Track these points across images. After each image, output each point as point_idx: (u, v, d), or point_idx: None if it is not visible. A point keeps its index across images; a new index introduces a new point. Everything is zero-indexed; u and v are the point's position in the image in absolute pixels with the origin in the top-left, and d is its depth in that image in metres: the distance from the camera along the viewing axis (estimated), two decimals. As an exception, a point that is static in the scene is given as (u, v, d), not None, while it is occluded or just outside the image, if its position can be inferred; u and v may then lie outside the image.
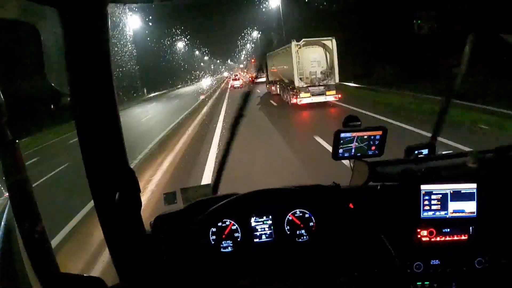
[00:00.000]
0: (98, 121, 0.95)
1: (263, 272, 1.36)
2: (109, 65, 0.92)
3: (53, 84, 1.02)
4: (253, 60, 44.80)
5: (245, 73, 64.01)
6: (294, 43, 15.33)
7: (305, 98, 15.40)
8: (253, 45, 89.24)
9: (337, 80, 15.76)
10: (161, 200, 1.65)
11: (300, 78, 15.49)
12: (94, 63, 0.91)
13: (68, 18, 0.85)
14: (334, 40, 15.55)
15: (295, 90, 16.06)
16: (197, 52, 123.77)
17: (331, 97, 15.66)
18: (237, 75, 45.96)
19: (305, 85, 15.54)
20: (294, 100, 16.41)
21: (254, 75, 41.73)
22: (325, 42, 15.50)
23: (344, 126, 1.62)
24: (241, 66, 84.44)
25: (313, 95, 15.59)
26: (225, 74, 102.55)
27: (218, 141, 9.97)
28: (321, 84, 15.67)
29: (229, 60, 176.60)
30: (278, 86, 21.05)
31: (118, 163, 1.01)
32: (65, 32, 0.86)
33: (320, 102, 15.52)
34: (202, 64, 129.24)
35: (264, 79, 41.40)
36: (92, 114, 0.94)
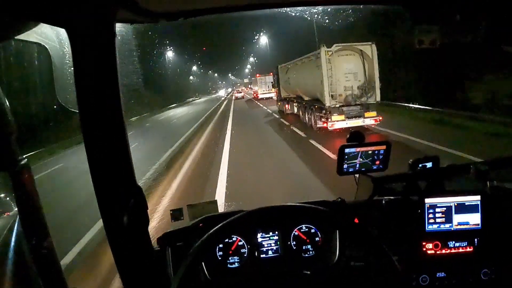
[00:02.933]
0: (106, 138, 0.97)
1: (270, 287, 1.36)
2: (117, 83, 0.95)
3: (62, 102, 1.10)
4: (258, 75, 41.11)
5: (248, 89, 60.96)
6: (324, 48, 11.55)
7: (338, 122, 11.55)
8: (256, 60, 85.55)
9: (378, 98, 11.93)
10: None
11: (332, 95, 11.66)
12: (102, 82, 0.93)
13: (76, 38, 0.89)
14: (374, 46, 11.79)
15: (323, 111, 12.21)
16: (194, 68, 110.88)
17: (370, 120, 11.83)
18: (239, 90, 58.44)
19: (337, 105, 11.70)
20: (321, 124, 12.56)
21: (258, 90, 38.77)
22: (362, 48, 11.74)
23: (349, 142, 1.63)
24: (246, 80, 74.54)
25: (348, 117, 11.74)
26: (221, 92, 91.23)
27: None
28: (357, 103, 11.84)
29: (230, 75, 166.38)
30: (295, 104, 17.20)
31: (126, 180, 1.03)
32: (73, 52, 0.89)
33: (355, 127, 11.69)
34: (191, 78, 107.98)
35: (269, 95, 39.86)
36: (101, 132, 0.96)
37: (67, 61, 0.96)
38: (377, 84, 11.85)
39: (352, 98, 11.75)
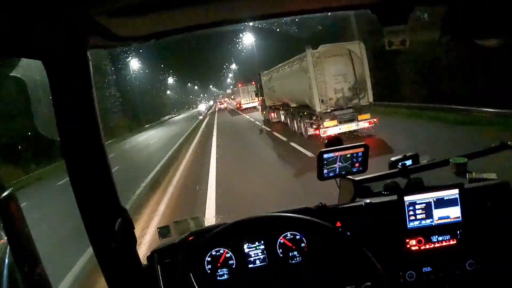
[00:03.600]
0: (88, 164, 0.98)
1: None
2: (94, 107, 0.96)
3: (41, 131, 1.11)
4: (239, 84, 40.38)
5: (231, 100, 59.97)
6: (310, 51, 10.74)
7: (330, 128, 10.68)
8: (238, 68, 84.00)
9: (371, 99, 11.17)
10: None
11: (322, 100, 10.82)
12: (80, 107, 0.95)
13: (52, 68, 0.91)
14: (362, 44, 11.10)
15: (314, 118, 11.37)
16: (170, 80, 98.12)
17: (364, 122, 11.02)
18: (221, 102, 61.41)
19: (328, 109, 10.86)
20: (312, 131, 11.75)
21: (240, 100, 37.94)
22: (350, 47, 11.00)
23: (326, 147, 1.65)
24: (228, 91, 65.88)
25: (340, 122, 10.91)
26: (201, 107, 76.47)
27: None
28: (350, 106, 11.04)
29: (211, 86, 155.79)
30: (282, 112, 16.36)
31: (111, 203, 1.04)
32: (50, 81, 0.92)
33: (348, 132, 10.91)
34: (168, 93, 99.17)
35: (253, 104, 39.09)
36: (82, 157, 0.97)
37: (45, 91, 0.97)
38: (369, 84, 11.11)
39: (343, 101, 10.95)
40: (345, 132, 10.90)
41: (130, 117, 43.96)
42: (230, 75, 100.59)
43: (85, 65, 0.95)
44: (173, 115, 74.79)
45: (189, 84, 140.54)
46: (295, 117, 13.54)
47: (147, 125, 48.16)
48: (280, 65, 14.95)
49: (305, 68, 11.05)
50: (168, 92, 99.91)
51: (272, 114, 18.29)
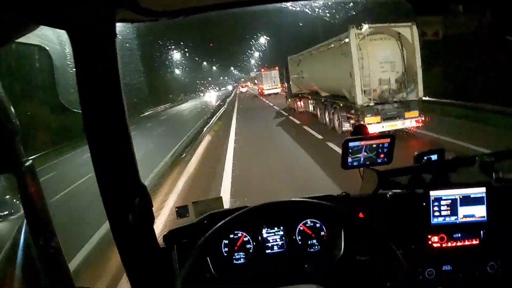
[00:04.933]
0: (109, 138, 0.97)
1: (276, 283, 1.30)
2: (119, 83, 0.95)
3: (64, 103, 1.11)
4: (263, 70, 38.61)
5: (252, 85, 58.12)
6: (354, 30, 8.98)
7: (372, 125, 8.99)
8: (261, 54, 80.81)
9: (420, 94, 9.37)
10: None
11: (364, 91, 9.10)
12: (104, 82, 0.94)
13: (77, 39, 0.89)
14: (415, 28, 9.18)
15: (352, 111, 9.69)
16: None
17: (411, 121, 9.29)
18: (243, 86, 61.34)
19: (371, 103, 9.15)
20: (348, 127, 10.15)
21: (263, 86, 36.27)
22: (400, 30, 9.16)
23: (353, 136, 1.62)
24: (252, 74, 62.73)
25: (384, 119, 9.21)
26: (210, 96, 60.01)
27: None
28: (395, 100, 9.29)
29: (233, 69, 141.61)
30: (311, 101, 14.65)
31: (131, 179, 1.03)
32: (75, 53, 0.90)
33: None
34: (177, 73, 77.93)
35: (275, 90, 37.36)
36: (104, 132, 0.96)
37: (69, 63, 0.94)
38: (420, 75, 9.30)
39: (389, 94, 9.21)
40: (388, 131, 9.21)
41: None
42: (254, 58, 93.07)
43: (112, 38, 0.92)
44: (176, 103, 54.65)
45: (205, 63, 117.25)
46: (327, 108, 11.84)
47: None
48: (312, 48, 13.20)
49: (346, 51, 9.31)
50: (177, 71, 78.64)
51: (299, 103, 16.58)
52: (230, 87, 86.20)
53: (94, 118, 0.94)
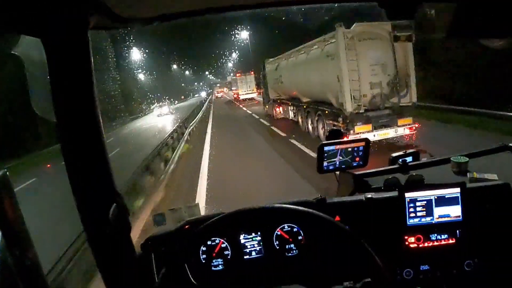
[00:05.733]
0: (84, 146, 0.96)
1: None
2: (93, 90, 0.95)
3: (37, 112, 1.07)
4: (238, 74, 37.54)
5: (228, 90, 56.80)
6: (342, 29, 7.97)
7: (363, 134, 7.98)
8: (237, 58, 78.46)
9: (414, 98, 8.48)
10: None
11: (354, 96, 8.09)
12: (78, 89, 0.94)
13: (51, 47, 0.89)
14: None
15: (340, 119, 8.67)
16: None
17: (404, 129, 8.38)
18: (218, 91, 63.21)
19: (362, 110, 8.15)
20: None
21: (238, 91, 35.16)
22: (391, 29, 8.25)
23: (327, 140, 1.64)
24: (229, 79, 56.29)
25: (376, 127, 8.23)
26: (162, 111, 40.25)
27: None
28: (387, 105, 8.35)
29: (208, 74, 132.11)
30: (291, 108, 13.62)
31: (106, 187, 1.03)
32: (49, 61, 0.90)
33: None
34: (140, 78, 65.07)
35: (251, 95, 36.20)
36: (78, 140, 0.96)
37: (42, 70, 0.93)
38: (413, 78, 8.41)
39: (381, 99, 8.25)
40: (378, 141, 8.25)
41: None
42: (230, 64, 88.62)
43: (85, 46, 0.93)
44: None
45: (174, 66, 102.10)
46: (310, 116, 10.80)
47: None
48: (292, 50, 12.18)
49: (333, 53, 8.32)
50: (141, 76, 65.59)
51: (277, 109, 15.53)
52: (204, 94, 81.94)
53: (68, 126, 0.94)
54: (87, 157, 0.97)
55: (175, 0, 0.99)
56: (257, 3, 1.13)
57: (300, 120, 12.17)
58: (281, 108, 15.20)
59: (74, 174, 0.96)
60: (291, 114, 13.68)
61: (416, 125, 8.46)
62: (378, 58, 8.23)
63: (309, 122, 10.90)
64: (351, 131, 8.00)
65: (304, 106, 11.45)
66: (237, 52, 68.25)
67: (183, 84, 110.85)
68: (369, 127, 8.09)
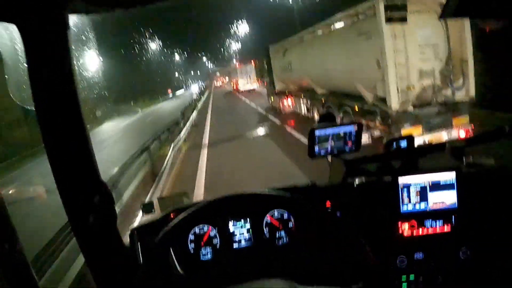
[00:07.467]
0: (66, 135, 0.94)
1: (244, 279, 1.26)
2: (73, 78, 0.92)
3: (16, 101, 1.07)
4: (238, 65, 35.48)
5: (226, 81, 54.71)
6: (383, 1, 5.83)
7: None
8: (240, 46, 73.89)
9: (472, 92, 6.42)
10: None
11: (399, 89, 6.02)
12: (58, 77, 0.91)
13: (28, 33, 0.85)
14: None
15: (378, 118, 6.62)
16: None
17: (458, 130, 6.34)
18: (217, 80, 67.01)
19: (410, 107, 6.09)
20: (366, 139, 7.00)
21: (238, 82, 33.08)
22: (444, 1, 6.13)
23: (319, 123, 1.61)
24: (235, 65, 44.04)
25: (427, 130, 6.19)
26: None
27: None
28: (438, 100, 6.30)
29: (208, 63, 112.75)
30: (304, 101, 11.53)
31: (90, 176, 1.00)
32: (26, 48, 0.86)
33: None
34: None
35: (252, 86, 33.93)
36: (60, 129, 0.93)
37: (20, 58, 0.91)
38: (471, 65, 6.33)
39: (432, 92, 6.20)
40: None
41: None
42: (231, 49, 77.48)
43: (64, 31, 0.88)
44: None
45: (153, 47, 76.32)
46: (333, 113, 8.77)
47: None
48: (305, 31, 10.07)
49: (370, 30, 6.23)
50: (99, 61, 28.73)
51: (285, 102, 13.44)
52: (194, 89, 61.16)
53: (48, 115, 0.91)
54: (69, 145, 0.93)
55: None
56: None
57: (316, 116, 10.11)
58: (289, 101, 13.10)
59: (56, 164, 0.93)
60: (303, 108, 11.61)
61: (473, 127, 6.45)
62: (429, 36, 6.16)
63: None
64: (395, 134, 5.96)
65: (322, 100, 9.38)
66: (240, 37, 64.40)
67: (176, 74, 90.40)
68: (419, 129, 6.05)
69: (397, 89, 5.91)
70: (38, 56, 0.87)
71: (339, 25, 7.74)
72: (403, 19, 6.62)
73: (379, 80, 6.15)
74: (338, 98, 8.40)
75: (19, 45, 0.87)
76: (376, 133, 6.71)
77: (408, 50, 5.94)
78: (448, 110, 6.32)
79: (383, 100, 6.22)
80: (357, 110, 7.33)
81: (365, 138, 6.85)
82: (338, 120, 8.25)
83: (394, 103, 5.91)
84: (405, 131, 5.94)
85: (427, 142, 6.01)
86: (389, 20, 6.23)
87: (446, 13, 0.95)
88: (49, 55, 0.88)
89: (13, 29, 0.85)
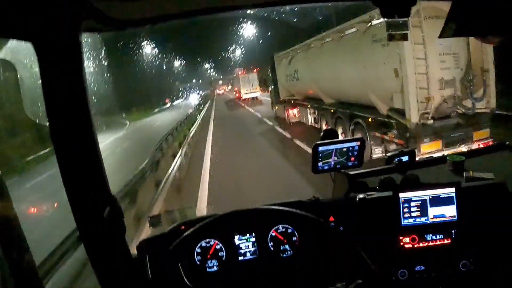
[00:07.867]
0: (77, 149, 0.95)
1: None
2: (85, 93, 0.94)
3: (30, 116, 1.08)
4: (240, 73, 35.18)
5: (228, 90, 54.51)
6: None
7: (432, 154, 5.51)
8: (243, 53, 72.99)
9: (493, 103, 5.99)
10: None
11: (419, 100, 5.59)
12: (71, 93, 0.92)
13: (43, 51, 0.88)
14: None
15: (394, 132, 6.18)
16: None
17: (478, 145, 5.88)
18: (219, 89, 70.59)
19: (430, 120, 5.65)
20: (379, 153, 6.58)
21: (240, 90, 32.77)
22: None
23: (322, 140, 1.62)
24: (238, 72, 41.80)
25: (447, 145, 5.75)
26: None
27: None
28: (458, 111, 5.86)
29: (211, 71, 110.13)
30: (311, 111, 11.12)
31: (100, 190, 1.02)
32: (41, 65, 0.88)
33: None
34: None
35: (254, 94, 33.59)
36: (71, 143, 0.94)
37: (35, 75, 0.92)
38: (492, 75, 5.91)
39: (453, 104, 5.77)
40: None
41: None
42: (235, 58, 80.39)
43: (77, 48, 0.92)
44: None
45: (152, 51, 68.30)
46: (341, 123, 8.30)
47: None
48: (313, 38, 9.70)
49: (384, 37, 5.82)
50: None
51: (291, 112, 13.03)
52: (193, 100, 54.62)
53: (61, 130, 0.93)
54: (81, 160, 0.95)
55: (167, 2, 0.99)
56: (247, 3, 1.15)
57: (324, 127, 9.67)
58: (295, 111, 12.71)
59: (68, 178, 0.94)
60: (310, 119, 11.21)
61: (492, 141, 6.01)
62: (449, 45, 5.73)
63: (340, 131, 8.37)
64: (417, 150, 5.51)
65: (331, 110, 8.95)
66: (242, 48, 64.07)
67: (177, 83, 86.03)
68: (438, 144, 5.64)
69: (417, 101, 5.48)
70: (52, 72, 0.89)
71: (353, 30, 7.34)
72: (405, 38, 6.19)
73: (397, 90, 5.73)
74: (349, 109, 7.97)
75: (35, 63, 0.89)
76: (392, 147, 6.25)
77: (428, 58, 5.52)
78: (467, 122, 5.91)
79: (400, 112, 5.79)
80: (370, 122, 6.90)
81: (379, 152, 6.44)
82: (349, 132, 7.82)
83: (414, 116, 5.48)
84: (425, 146, 5.52)
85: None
86: (390, 38, 5.75)
87: (445, 33, 0.95)
88: (63, 72, 0.90)
89: (29, 46, 0.86)
